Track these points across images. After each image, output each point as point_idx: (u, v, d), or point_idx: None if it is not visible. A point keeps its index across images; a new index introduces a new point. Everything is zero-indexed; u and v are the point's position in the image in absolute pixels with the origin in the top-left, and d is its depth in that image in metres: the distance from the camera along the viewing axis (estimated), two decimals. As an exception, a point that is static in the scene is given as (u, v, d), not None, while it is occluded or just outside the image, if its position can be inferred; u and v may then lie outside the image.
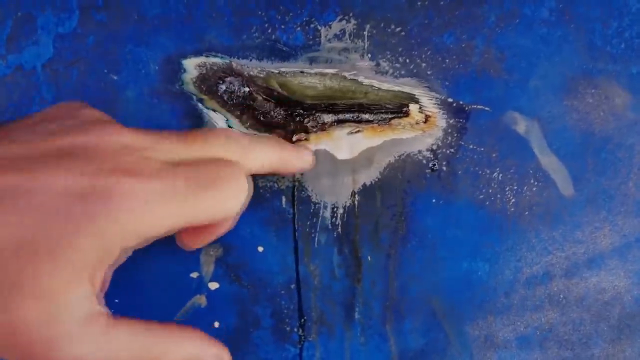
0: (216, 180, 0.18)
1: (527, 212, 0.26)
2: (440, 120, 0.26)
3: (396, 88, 0.25)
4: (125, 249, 0.17)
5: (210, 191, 0.18)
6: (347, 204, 0.26)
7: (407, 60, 0.25)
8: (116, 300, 0.26)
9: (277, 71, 0.25)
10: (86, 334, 0.16)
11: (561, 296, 0.27)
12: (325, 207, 0.26)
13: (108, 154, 0.17)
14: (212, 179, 0.18)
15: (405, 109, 0.25)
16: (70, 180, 0.16)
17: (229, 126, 0.25)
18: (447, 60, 0.25)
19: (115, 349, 0.17)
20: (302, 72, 0.25)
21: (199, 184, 0.17)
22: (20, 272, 0.15)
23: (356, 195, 0.26)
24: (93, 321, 0.16)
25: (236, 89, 0.25)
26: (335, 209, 0.26)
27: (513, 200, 0.26)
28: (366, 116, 0.25)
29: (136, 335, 0.17)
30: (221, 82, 0.25)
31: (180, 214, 0.17)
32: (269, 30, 0.25)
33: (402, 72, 0.25)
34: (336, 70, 0.25)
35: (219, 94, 0.25)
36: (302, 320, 0.27)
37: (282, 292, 0.27)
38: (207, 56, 0.25)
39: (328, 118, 0.25)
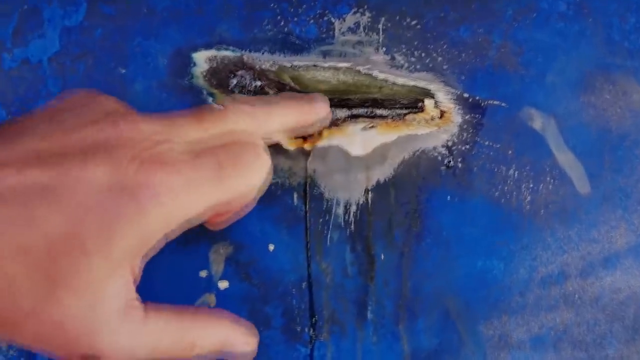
0: (238, 159, 0.18)
1: (542, 210, 0.26)
2: (456, 116, 0.25)
3: (411, 83, 0.25)
4: (160, 239, 0.17)
5: (235, 170, 0.18)
6: (361, 201, 0.26)
7: (423, 54, 0.25)
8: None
9: (290, 65, 0.25)
10: (125, 324, 0.17)
11: (576, 296, 0.26)
12: (338, 204, 0.26)
13: (131, 147, 0.17)
14: (235, 157, 0.18)
15: (420, 104, 0.25)
16: (100, 175, 0.16)
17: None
18: (463, 55, 0.25)
19: (152, 337, 0.17)
20: (315, 65, 0.25)
21: (223, 165, 0.18)
22: (63, 267, 0.15)
23: (369, 192, 0.26)
24: (131, 311, 0.17)
25: (247, 83, 0.25)
26: (348, 206, 0.26)
27: (529, 198, 0.26)
28: (380, 111, 0.25)
29: (171, 323, 0.18)
30: (232, 75, 0.25)
31: (208, 197, 0.17)
32: (282, 23, 0.25)
33: (418, 66, 0.25)
34: (350, 64, 0.25)
35: (230, 88, 0.25)
36: (314, 319, 0.26)
37: (293, 290, 0.26)
38: (217, 49, 0.25)
39: (341, 113, 0.25)
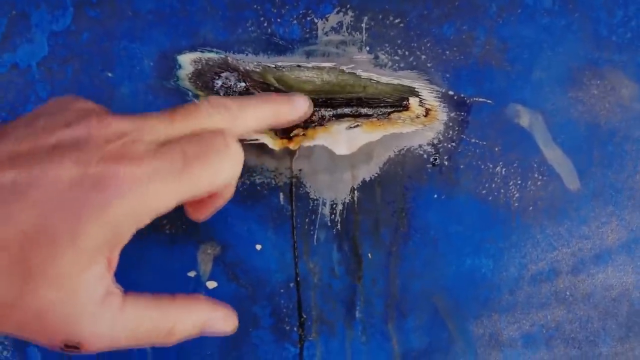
0: (205, 152, 0.18)
1: (531, 207, 0.26)
2: (441, 114, 0.25)
3: (395, 81, 0.25)
4: (131, 230, 0.17)
5: (202, 163, 0.18)
6: (347, 200, 0.26)
7: (407, 53, 0.25)
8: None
9: (274, 65, 0.25)
10: (104, 312, 0.17)
11: (567, 293, 0.26)
12: (324, 204, 0.26)
13: (98, 143, 0.17)
14: (201, 151, 0.18)
15: (405, 102, 0.25)
16: (67, 170, 0.16)
17: None
18: (447, 52, 0.25)
19: (131, 324, 0.18)
20: (299, 66, 0.25)
21: (189, 157, 0.18)
22: (37, 260, 0.16)
23: (355, 192, 0.26)
24: (109, 299, 0.17)
25: (232, 84, 0.25)
26: (334, 206, 0.26)
27: (517, 195, 0.25)
28: (365, 110, 0.25)
29: (149, 309, 0.18)
30: (217, 77, 0.25)
31: (177, 189, 0.18)
32: (265, 24, 0.25)
33: (402, 64, 0.25)
34: (334, 63, 0.25)
35: (215, 89, 0.25)
36: (302, 319, 0.26)
37: (281, 290, 0.26)
38: (202, 51, 0.25)
39: (326, 112, 0.25)
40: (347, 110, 0.25)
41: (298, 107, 0.23)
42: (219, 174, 0.19)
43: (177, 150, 0.18)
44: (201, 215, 0.22)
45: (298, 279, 0.26)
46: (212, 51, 0.25)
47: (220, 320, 0.20)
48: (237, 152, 0.19)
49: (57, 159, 0.17)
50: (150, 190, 0.17)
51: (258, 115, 0.21)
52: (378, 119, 0.25)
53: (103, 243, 0.17)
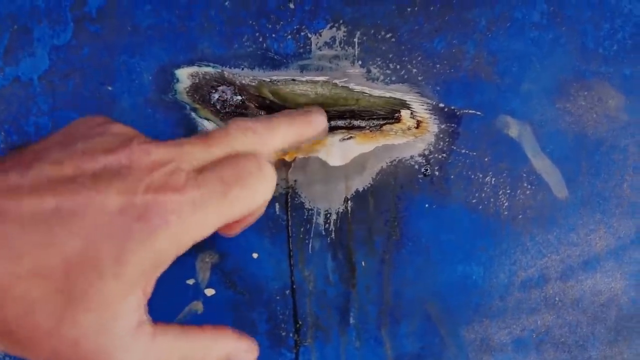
0: (242, 176, 0.19)
1: (520, 216, 0.26)
2: (432, 126, 0.26)
3: (387, 94, 0.25)
4: (170, 258, 0.18)
5: (240, 189, 0.19)
6: (340, 210, 0.26)
7: (398, 67, 0.25)
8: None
9: (269, 79, 0.25)
10: (135, 343, 0.17)
11: (557, 299, 0.27)
12: (318, 214, 0.26)
13: (141, 172, 0.17)
14: (238, 175, 0.19)
15: (396, 114, 0.26)
16: (112, 199, 0.16)
17: None
18: (438, 66, 0.25)
19: (162, 355, 0.18)
20: (293, 80, 0.25)
21: (228, 184, 0.18)
22: (78, 288, 0.16)
23: (349, 201, 0.26)
24: (141, 330, 0.18)
25: (229, 97, 0.25)
26: (328, 215, 0.26)
27: (506, 203, 0.26)
28: (358, 122, 0.25)
29: (177, 341, 0.19)
30: (214, 91, 0.25)
31: (216, 216, 0.18)
32: (260, 39, 0.25)
33: (393, 78, 0.26)
34: (327, 77, 0.25)
35: (212, 102, 0.25)
36: (298, 325, 0.27)
37: (277, 297, 0.27)
38: (199, 66, 0.25)
39: (320, 125, 0.25)
40: (340, 122, 0.25)
41: (317, 126, 0.23)
42: (255, 197, 0.19)
43: (216, 177, 0.18)
44: (232, 233, 0.22)
45: (294, 286, 0.27)
46: (209, 65, 0.26)
47: (243, 351, 0.21)
48: (270, 173, 0.20)
49: (102, 187, 0.17)
50: (194, 220, 0.17)
51: (284, 136, 0.21)
52: (371, 131, 0.26)
53: (143, 273, 0.17)
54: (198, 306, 0.27)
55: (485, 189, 0.26)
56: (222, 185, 0.18)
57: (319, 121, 0.24)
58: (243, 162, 0.19)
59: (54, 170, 0.17)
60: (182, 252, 0.18)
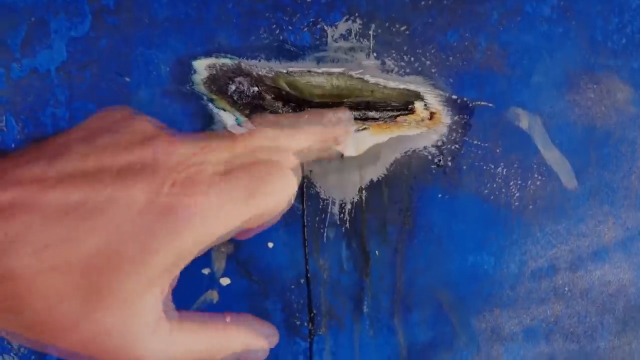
0: (266, 179, 0.19)
1: (531, 206, 0.27)
2: (445, 117, 0.26)
3: (402, 86, 0.26)
4: (192, 255, 0.18)
5: (263, 191, 0.19)
6: (355, 200, 0.27)
7: (412, 59, 0.26)
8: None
9: (285, 71, 0.26)
10: (156, 336, 0.17)
11: (566, 289, 0.27)
12: (333, 203, 0.27)
13: (166, 169, 0.17)
14: (263, 178, 0.19)
15: (410, 106, 0.26)
16: (136, 196, 0.16)
17: (238, 124, 0.26)
18: (451, 58, 0.26)
19: (179, 349, 0.18)
20: (309, 71, 0.26)
21: (252, 190, 0.18)
22: (100, 283, 0.16)
23: (363, 191, 0.27)
24: (161, 324, 0.18)
25: (245, 88, 0.26)
26: (343, 205, 0.27)
27: (517, 194, 0.27)
28: (372, 114, 0.26)
29: (196, 333, 0.19)
30: (231, 82, 0.26)
31: (239, 216, 0.18)
32: (277, 32, 0.26)
33: (407, 70, 0.26)
34: (343, 69, 0.26)
35: (229, 93, 0.26)
36: (312, 314, 0.27)
37: (292, 286, 0.27)
38: (216, 57, 0.26)
39: (335, 116, 0.26)
40: (355, 113, 0.26)
41: (342, 124, 0.23)
42: (276, 200, 0.19)
43: (242, 175, 0.18)
44: (250, 234, 0.22)
45: (308, 275, 0.27)
46: (227, 57, 0.26)
47: (263, 340, 0.21)
48: (292, 179, 0.20)
49: (128, 183, 0.16)
50: (219, 218, 0.17)
51: (309, 134, 0.21)
52: (385, 122, 0.26)
53: (164, 271, 0.17)
54: (213, 295, 0.27)
55: (496, 179, 0.27)
56: (246, 190, 0.18)
57: (345, 122, 0.24)
58: (267, 169, 0.19)
59: (79, 164, 0.17)
60: (204, 250, 0.18)
